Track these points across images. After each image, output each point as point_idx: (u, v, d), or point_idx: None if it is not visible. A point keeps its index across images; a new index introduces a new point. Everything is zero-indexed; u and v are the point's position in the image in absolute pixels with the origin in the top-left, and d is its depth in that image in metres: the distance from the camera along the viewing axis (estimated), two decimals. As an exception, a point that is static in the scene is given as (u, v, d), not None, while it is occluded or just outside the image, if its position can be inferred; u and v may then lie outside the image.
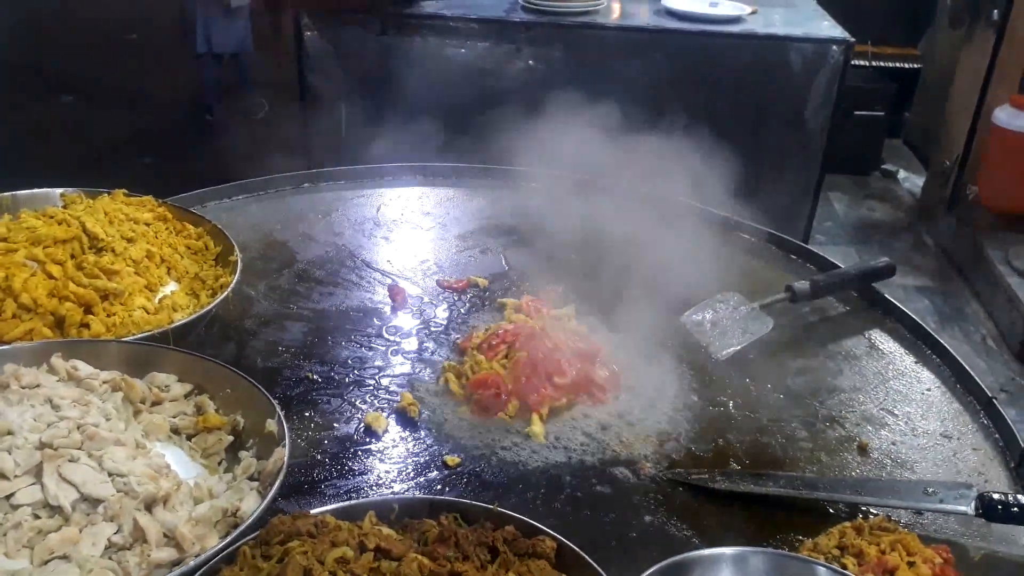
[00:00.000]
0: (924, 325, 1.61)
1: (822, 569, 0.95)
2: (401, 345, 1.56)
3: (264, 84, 6.51)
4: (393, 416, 1.37)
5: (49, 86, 6.83)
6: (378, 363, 1.51)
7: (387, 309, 1.67)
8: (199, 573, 0.87)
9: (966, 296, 4.21)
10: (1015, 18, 4.24)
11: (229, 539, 0.90)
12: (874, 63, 5.91)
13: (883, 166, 5.83)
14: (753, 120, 3.48)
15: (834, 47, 3.31)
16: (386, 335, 1.59)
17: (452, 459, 1.29)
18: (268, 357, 1.50)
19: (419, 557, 0.84)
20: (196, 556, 0.90)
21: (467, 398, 1.41)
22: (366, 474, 1.25)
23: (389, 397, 1.42)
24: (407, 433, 1.34)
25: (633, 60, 3.42)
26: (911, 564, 1.05)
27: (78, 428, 0.97)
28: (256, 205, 2.04)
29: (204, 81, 6.46)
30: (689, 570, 0.95)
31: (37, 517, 0.89)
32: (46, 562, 0.86)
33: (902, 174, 5.75)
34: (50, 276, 1.32)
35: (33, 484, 0.91)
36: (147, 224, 1.56)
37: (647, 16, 3.54)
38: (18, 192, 1.59)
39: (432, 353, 1.54)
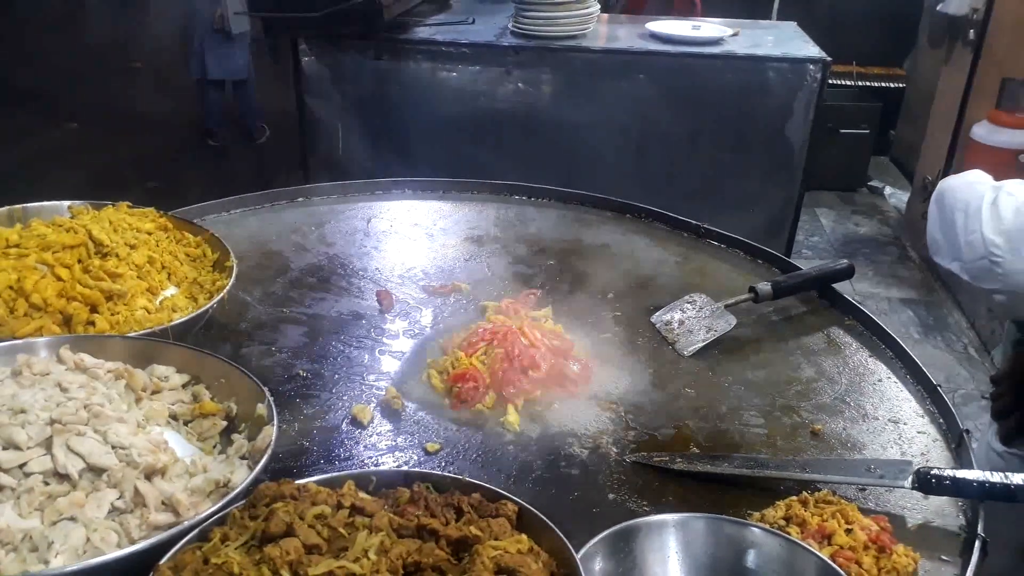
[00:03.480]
0: (878, 322, 1.70)
1: (756, 529, 1.04)
2: (388, 345, 1.66)
3: (265, 109, 6.67)
4: (378, 408, 1.47)
5: (54, 112, 7.00)
6: (366, 361, 1.61)
7: (375, 313, 1.77)
8: (193, 532, 0.96)
9: (949, 307, 4.31)
10: (990, 37, 4.38)
11: (221, 503, 0.99)
12: (860, 82, 6.06)
13: (869, 183, 5.95)
14: (735, 138, 3.59)
15: (811, 66, 3.43)
16: (374, 336, 1.69)
17: (432, 446, 1.38)
18: (262, 356, 1.60)
19: (389, 514, 0.94)
20: (191, 519, 0.99)
21: (448, 391, 1.51)
22: (350, 459, 1.34)
23: (375, 392, 1.51)
24: (391, 424, 1.44)
25: (619, 82, 3.55)
26: (849, 531, 1.14)
27: (85, 407, 1.07)
28: (253, 218, 2.15)
29: (206, 107, 6.62)
30: (637, 534, 1.05)
31: (47, 484, 0.99)
32: (55, 523, 0.96)
33: (888, 190, 5.87)
34: (58, 278, 1.43)
35: (44, 455, 1.01)
36: (149, 233, 1.67)
37: (632, 39, 3.68)
38: (28, 204, 1.70)
39: (416, 352, 1.64)
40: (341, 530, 0.91)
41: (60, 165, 5.95)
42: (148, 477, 1.03)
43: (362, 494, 1.01)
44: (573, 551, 0.96)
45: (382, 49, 3.58)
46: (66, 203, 1.73)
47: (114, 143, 6.38)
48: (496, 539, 0.93)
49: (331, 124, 3.74)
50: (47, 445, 1.02)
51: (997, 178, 1.67)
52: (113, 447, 1.04)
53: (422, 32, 3.64)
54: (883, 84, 6.11)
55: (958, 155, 4.62)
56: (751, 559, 1.03)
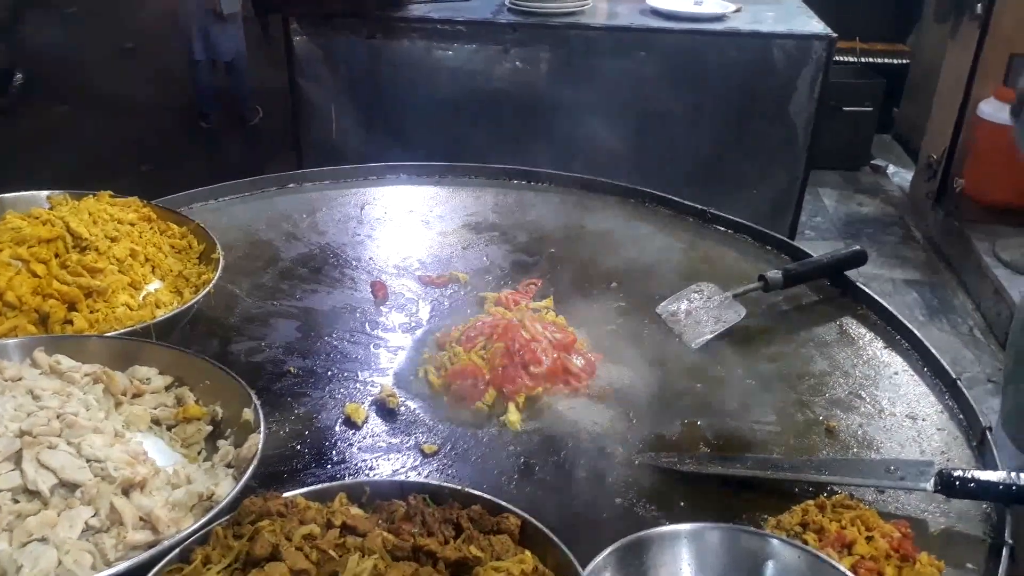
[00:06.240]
0: (892, 311, 1.64)
1: (775, 541, 0.98)
2: (383, 340, 1.60)
3: (258, 90, 6.56)
4: (373, 407, 1.40)
5: (45, 95, 6.89)
6: (359, 357, 1.54)
7: (369, 305, 1.70)
8: (173, 553, 0.90)
9: (954, 288, 4.24)
10: (998, 12, 4.28)
11: (203, 520, 0.93)
12: (863, 59, 5.95)
13: (873, 161, 5.87)
14: (739, 116, 3.51)
15: (816, 43, 3.34)
16: (368, 331, 1.62)
17: (429, 447, 1.32)
18: (251, 353, 1.53)
19: (384, 533, 0.87)
20: (171, 538, 0.93)
21: (445, 389, 1.44)
22: (344, 463, 1.28)
23: (369, 389, 1.45)
24: (386, 423, 1.37)
25: (619, 59, 3.46)
26: (869, 539, 1.08)
27: (57, 417, 1.00)
28: (242, 206, 2.07)
29: (199, 88, 6.51)
30: (649, 546, 0.98)
31: (16, 501, 0.93)
32: (25, 544, 0.89)
33: (891, 169, 5.79)
34: (34, 275, 1.35)
35: (13, 470, 0.94)
36: (131, 224, 1.59)
37: (632, 15, 3.58)
38: (4, 195, 1.62)
39: (412, 347, 1.57)
40: (331, 552, 0.84)
41: (51, 148, 5.85)
42: (125, 492, 0.96)
43: (354, 509, 0.95)
44: (580, 569, 0.90)
45: (375, 28, 3.49)
46: (44, 193, 1.65)
47: (106, 126, 6.28)
48: (498, 559, 0.87)
49: (324, 106, 3.65)
50: (16, 459, 0.95)
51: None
52: (88, 460, 0.97)
53: (416, 10, 3.54)
54: (887, 60, 5.99)
55: (964, 133, 4.54)
56: (770, 573, 0.97)
